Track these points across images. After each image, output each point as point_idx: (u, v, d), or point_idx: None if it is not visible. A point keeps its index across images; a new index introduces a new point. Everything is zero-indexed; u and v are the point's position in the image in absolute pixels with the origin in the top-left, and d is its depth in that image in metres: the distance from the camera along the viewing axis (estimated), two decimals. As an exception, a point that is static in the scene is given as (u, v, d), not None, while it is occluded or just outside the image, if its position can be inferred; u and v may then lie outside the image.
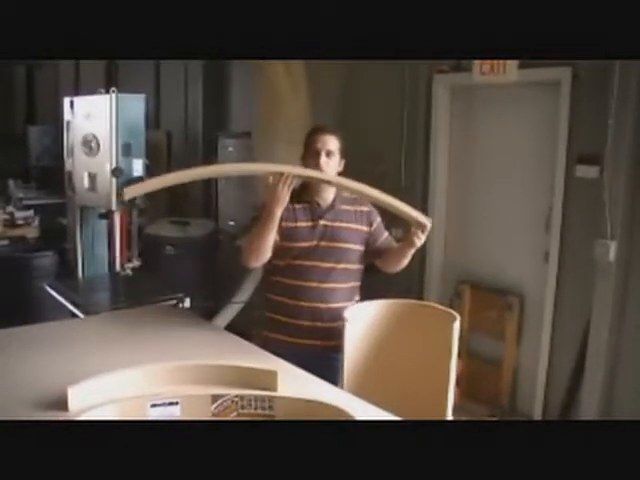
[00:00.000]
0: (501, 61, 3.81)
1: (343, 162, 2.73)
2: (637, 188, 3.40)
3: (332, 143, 2.66)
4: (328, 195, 2.69)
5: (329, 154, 2.63)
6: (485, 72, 3.93)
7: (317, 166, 2.61)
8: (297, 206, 2.65)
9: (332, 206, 2.69)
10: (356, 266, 2.73)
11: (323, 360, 2.58)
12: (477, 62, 3.93)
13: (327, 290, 2.66)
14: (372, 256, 2.75)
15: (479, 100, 4.36)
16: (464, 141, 4.47)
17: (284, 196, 2.43)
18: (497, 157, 4.28)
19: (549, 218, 3.89)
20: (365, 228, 2.72)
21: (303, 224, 2.64)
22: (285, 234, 2.61)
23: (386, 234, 2.79)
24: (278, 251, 2.62)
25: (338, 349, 2.64)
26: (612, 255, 3.40)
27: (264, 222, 2.48)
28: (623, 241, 3.42)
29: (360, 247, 2.71)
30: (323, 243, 2.64)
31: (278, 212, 2.46)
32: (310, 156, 2.64)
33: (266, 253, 2.55)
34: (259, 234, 2.50)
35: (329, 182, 2.59)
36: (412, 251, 2.63)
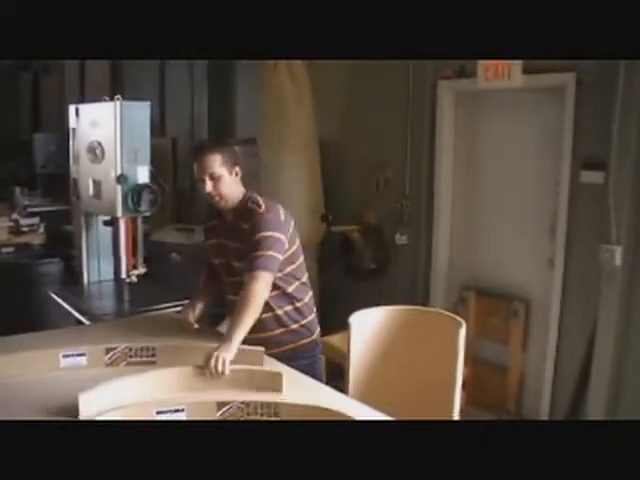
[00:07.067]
0: (506, 67, 3.81)
1: (237, 168, 2.60)
2: (642, 193, 3.39)
3: (215, 164, 2.52)
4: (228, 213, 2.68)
5: (213, 176, 2.52)
6: (489, 78, 3.92)
7: (205, 193, 2.56)
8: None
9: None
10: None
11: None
12: (481, 68, 3.93)
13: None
14: None
15: (484, 106, 4.36)
16: (469, 147, 4.46)
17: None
18: (502, 163, 4.27)
19: (554, 224, 3.88)
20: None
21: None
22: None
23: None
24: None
25: (288, 354, 2.60)
26: (618, 260, 3.39)
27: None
28: (629, 246, 3.40)
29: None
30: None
31: None
32: (198, 181, 2.57)
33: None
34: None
35: None
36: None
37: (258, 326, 2.46)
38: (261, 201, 2.58)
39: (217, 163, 2.52)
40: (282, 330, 2.64)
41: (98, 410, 1.87)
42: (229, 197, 2.59)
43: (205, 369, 2.15)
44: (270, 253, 2.45)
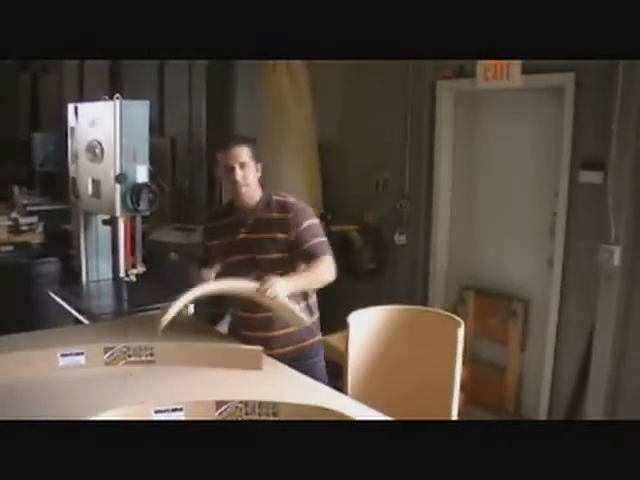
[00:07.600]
0: (505, 67, 3.81)
1: (260, 165, 2.66)
2: (641, 193, 3.39)
3: (243, 154, 2.58)
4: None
5: (242, 166, 2.57)
6: (489, 78, 3.92)
7: (234, 182, 2.57)
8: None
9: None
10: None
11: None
12: (481, 68, 3.93)
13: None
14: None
15: (483, 106, 4.36)
16: (468, 147, 4.47)
17: None
18: (501, 163, 4.28)
19: (553, 224, 3.88)
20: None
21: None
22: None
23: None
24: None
25: (298, 352, 2.64)
26: (616, 260, 3.39)
27: None
28: (627, 246, 3.41)
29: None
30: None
31: None
32: (225, 172, 2.61)
33: None
34: None
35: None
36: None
37: (276, 324, 2.54)
38: (286, 194, 2.67)
39: (246, 153, 2.59)
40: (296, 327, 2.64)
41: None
42: (254, 190, 2.63)
43: (259, 288, 2.28)
44: (323, 239, 2.57)
